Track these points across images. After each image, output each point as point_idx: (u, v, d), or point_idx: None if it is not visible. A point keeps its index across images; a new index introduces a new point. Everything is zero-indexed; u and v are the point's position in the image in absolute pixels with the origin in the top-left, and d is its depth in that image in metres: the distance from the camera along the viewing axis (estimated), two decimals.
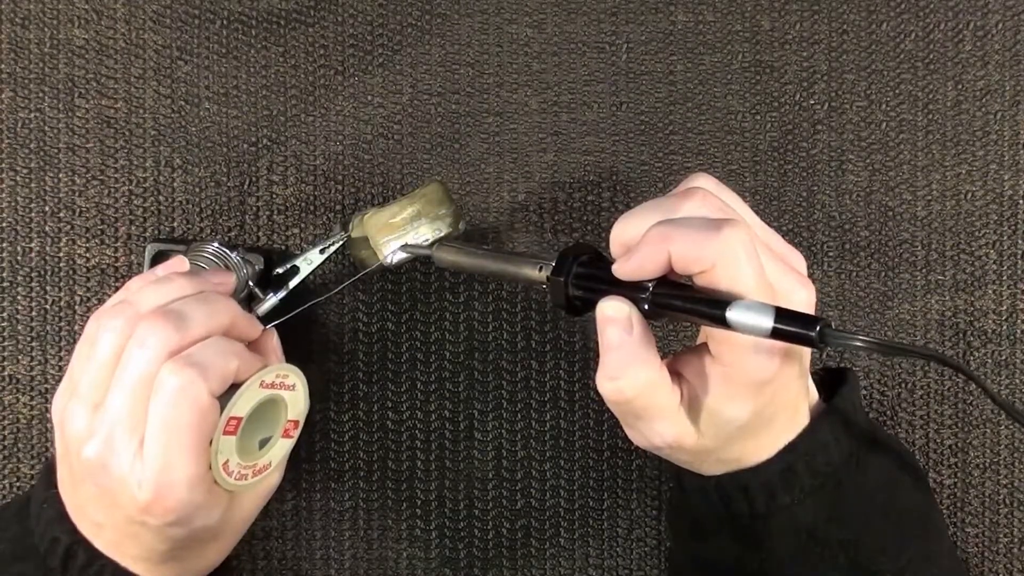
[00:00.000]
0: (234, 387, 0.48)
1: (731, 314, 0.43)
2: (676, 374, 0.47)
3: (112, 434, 0.47)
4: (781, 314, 0.42)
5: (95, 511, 0.49)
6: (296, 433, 0.52)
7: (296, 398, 0.51)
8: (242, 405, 0.48)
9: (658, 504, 0.62)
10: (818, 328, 0.42)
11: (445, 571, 0.62)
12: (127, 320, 0.48)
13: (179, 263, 0.54)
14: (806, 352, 0.47)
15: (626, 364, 0.45)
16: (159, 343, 0.47)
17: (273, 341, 0.53)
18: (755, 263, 0.44)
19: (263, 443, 0.51)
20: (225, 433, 0.48)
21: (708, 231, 0.43)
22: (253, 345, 0.52)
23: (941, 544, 0.54)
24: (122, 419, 0.47)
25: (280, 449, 0.51)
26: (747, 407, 0.46)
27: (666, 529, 0.62)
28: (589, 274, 0.48)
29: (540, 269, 0.49)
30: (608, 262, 0.47)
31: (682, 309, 0.45)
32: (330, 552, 0.62)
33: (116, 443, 0.47)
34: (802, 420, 0.49)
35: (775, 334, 0.42)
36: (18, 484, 0.61)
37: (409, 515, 0.62)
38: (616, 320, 0.46)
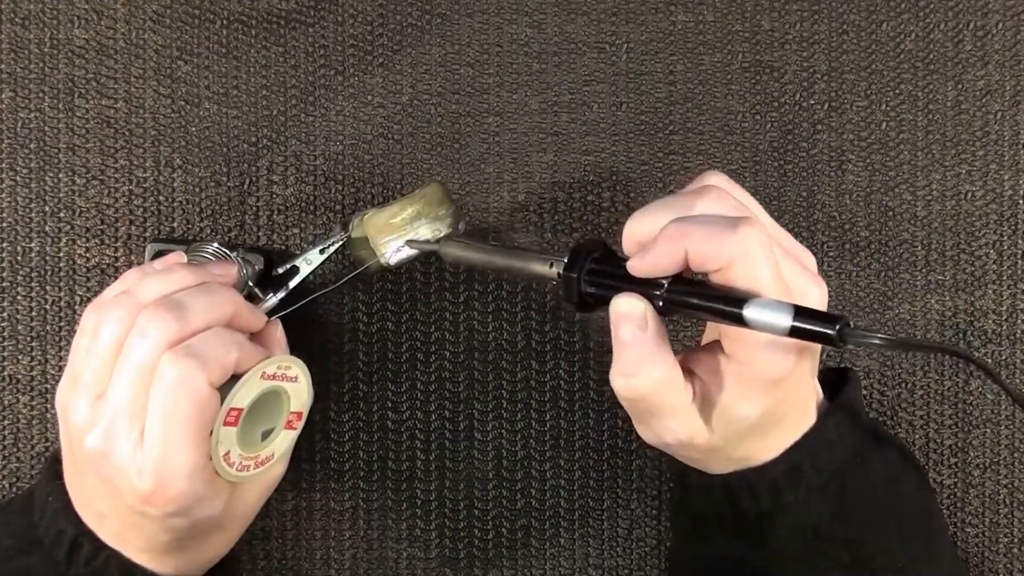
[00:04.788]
0: (235, 378, 0.48)
1: (748, 312, 0.42)
2: (688, 371, 0.47)
3: (113, 424, 0.47)
4: (800, 312, 0.42)
5: (98, 501, 0.49)
6: (299, 425, 0.52)
7: (299, 390, 0.51)
8: (242, 396, 0.48)
9: (658, 504, 0.62)
10: (838, 326, 0.41)
11: (445, 571, 0.62)
12: (128, 311, 0.48)
13: (178, 257, 0.54)
14: (817, 351, 0.47)
15: (640, 361, 0.46)
16: (159, 333, 0.47)
17: (277, 333, 0.53)
18: (772, 261, 0.44)
19: (266, 434, 0.51)
20: (225, 424, 0.48)
21: (725, 229, 0.44)
22: (257, 337, 0.52)
23: (942, 543, 0.54)
24: (123, 409, 0.47)
25: (283, 441, 0.51)
26: (759, 405, 0.46)
27: (667, 529, 0.62)
28: (602, 270, 0.48)
29: (551, 265, 0.49)
30: (620, 258, 0.47)
31: (698, 307, 0.45)
32: (330, 552, 0.62)
33: (117, 433, 0.47)
34: (810, 419, 0.49)
35: (794, 332, 0.42)
36: (18, 484, 0.61)
37: (409, 515, 0.62)
38: (631, 317, 0.46)
